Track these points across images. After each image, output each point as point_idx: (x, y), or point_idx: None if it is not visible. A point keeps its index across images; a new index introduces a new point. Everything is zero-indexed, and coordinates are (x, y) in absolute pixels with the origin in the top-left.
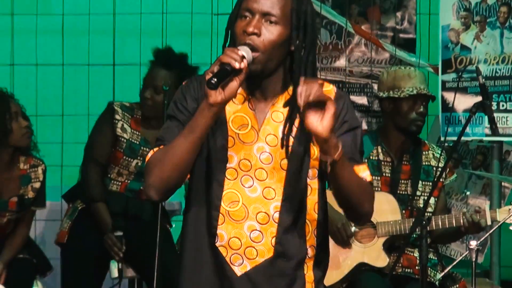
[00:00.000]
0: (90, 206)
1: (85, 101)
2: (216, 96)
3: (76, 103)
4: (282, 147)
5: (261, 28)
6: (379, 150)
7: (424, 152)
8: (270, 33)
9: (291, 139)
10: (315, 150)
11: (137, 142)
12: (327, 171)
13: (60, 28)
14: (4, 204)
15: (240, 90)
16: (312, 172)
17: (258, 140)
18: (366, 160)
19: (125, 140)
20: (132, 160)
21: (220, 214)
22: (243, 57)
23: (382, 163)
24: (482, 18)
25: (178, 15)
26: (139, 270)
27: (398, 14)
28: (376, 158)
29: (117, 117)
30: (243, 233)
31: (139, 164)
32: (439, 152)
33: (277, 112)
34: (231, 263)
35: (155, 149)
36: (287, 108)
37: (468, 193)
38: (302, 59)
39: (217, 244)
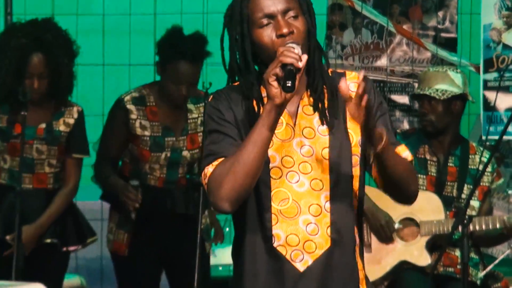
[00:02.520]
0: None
1: None
2: (282, 96)
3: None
4: (322, 123)
5: (291, 25)
6: (426, 149)
7: (471, 156)
8: (299, 26)
9: (327, 129)
10: (353, 137)
11: (160, 135)
12: (369, 160)
13: (101, 28)
14: (32, 130)
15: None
16: (354, 160)
17: (295, 135)
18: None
19: (148, 137)
20: (160, 154)
21: (273, 215)
22: (299, 54)
23: (429, 162)
24: None
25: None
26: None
27: (440, 13)
28: (422, 156)
29: (133, 116)
30: (299, 228)
31: (168, 155)
32: (487, 156)
33: (307, 106)
34: (292, 260)
35: (214, 163)
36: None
37: (510, 192)
38: (317, 43)
39: (275, 245)
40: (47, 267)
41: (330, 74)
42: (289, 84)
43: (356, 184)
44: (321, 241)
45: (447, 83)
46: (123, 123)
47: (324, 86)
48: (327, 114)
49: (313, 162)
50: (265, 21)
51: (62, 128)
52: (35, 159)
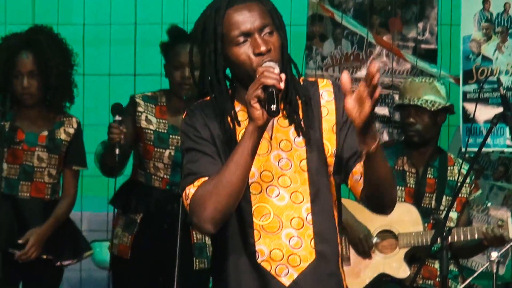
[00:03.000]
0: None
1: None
2: (262, 116)
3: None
4: (298, 135)
5: (268, 42)
6: (404, 161)
7: (449, 167)
8: (275, 42)
9: (303, 140)
10: (329, 147)
11: (165, 131)
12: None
13: (81, 38)
14: (34, 137)
15: (240, 107)
16: (329, 170)
17: (272, 149)
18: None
19: (152, 132)
20: (164, 150)
21: (255, 230)
22: (280, 75)
23: (407, 173)
24: (504, 29)
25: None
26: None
27: (420, 24)
28: (401, 168)
29: (140, 109)
30: (282, 242)
31: (172, 153)
32: (466, 167)
33: (282, 118)
34: (277, 275)
35: (195, 183)
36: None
37: (489, 204)
38: (288, 55)
39: (259, 261)
40: (41, 283)
41: (301, 83)
42: (273, 108)
43: (333, 193)
44: (305, 254)
45: (434, 94)
46: (130, 115)
47: (297, 97)
48: (302, 125)
49: (291, 174)
50: (241, 38)
51: (63, 136)
52: (35, 166)
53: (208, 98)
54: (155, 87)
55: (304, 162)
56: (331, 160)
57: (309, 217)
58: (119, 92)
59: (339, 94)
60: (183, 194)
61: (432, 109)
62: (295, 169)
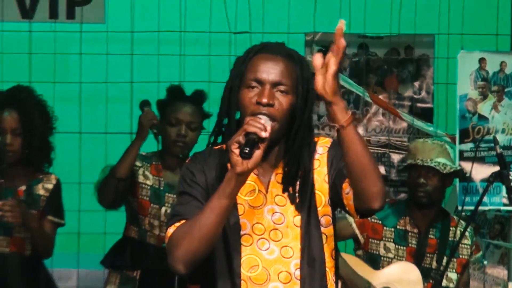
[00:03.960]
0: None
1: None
2: (243, 165)
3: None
4: (292, 203)
5: (274, 98)
6: (407, 221)
7: (451, 228)
8: (283, 103)
9: (297, 196)
10: (322, 198)
11: (161, 188)
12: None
13: (78, 96)
14: (13, 192)
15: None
16: (325, 220)
17: (267, 202)
18: (393, 229)
19: (149, 187)
20: (160, 207)
21: (242, 281)
22: (265, 126)
23: (409, 233)
24: (500, 88)
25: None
26: None
27: (416, 83)
28: (403, 228)
29: (137, 163)
30: None
31: (168, 211)
32: (468, 230)
33: (280, 174)
34: None
35: (176, 224)
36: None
37: (485, 262)
38: (302, 120)
39: None
40: None
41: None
42: (246, 150)
43: (331, 244)
44: None
45: (445, 157)
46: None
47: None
48: (296, 198)
49: (284, 229)
50: (253, 83)
51: (41, 192)
52: (19, 242)
53: (217, 147)
54: (151, 145)
55: (298, 218)
56: (326, 210)
57: (298, 272)
58: (115, 150)
59: (333, 147)
60: (166, 234)
61: (444, 172)
62: (288, 224)
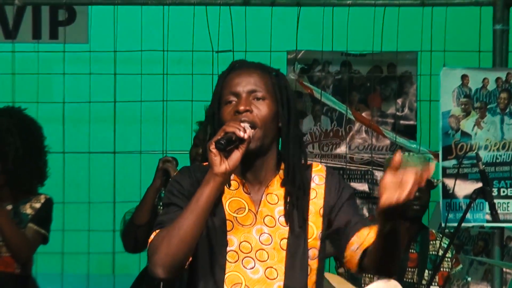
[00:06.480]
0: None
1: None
2: (220, 166)
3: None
4: (287, 224)
5: (251, 105)
6: None
7: (431, 242)
8: (261, 108)
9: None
10: (314, 231)
11: None
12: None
13: (61, 116)
14: None
15: (233, 176)
16: (312, 253)
17: (256, 222)
18: None
19: None
20: None
21: None
22: (245, 128)
23: None
24: (483, 105)
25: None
26: None
27: (399, 100)
28: None
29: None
30: None
31: None
32: (447, 242)
33: (271, 194)
34: None
35: (157, 231)
36: (281, 190)
37: (469, 279)
38: (289, 133)
39: None
40: None
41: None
42: (222, 141)
43: (313, 277)
44: None
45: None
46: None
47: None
48: (293, 218)
49: (270, 250)
50: (230, 97)
51: (29, 211)
52: (1, 240)
53: (205, 163)
54: (135, 165)
55: (285, 242)
56: (315, 243)
57: None
58: (98, 170)
59: (331, 179)
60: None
61: (435, 184)
62: (275, 246)
